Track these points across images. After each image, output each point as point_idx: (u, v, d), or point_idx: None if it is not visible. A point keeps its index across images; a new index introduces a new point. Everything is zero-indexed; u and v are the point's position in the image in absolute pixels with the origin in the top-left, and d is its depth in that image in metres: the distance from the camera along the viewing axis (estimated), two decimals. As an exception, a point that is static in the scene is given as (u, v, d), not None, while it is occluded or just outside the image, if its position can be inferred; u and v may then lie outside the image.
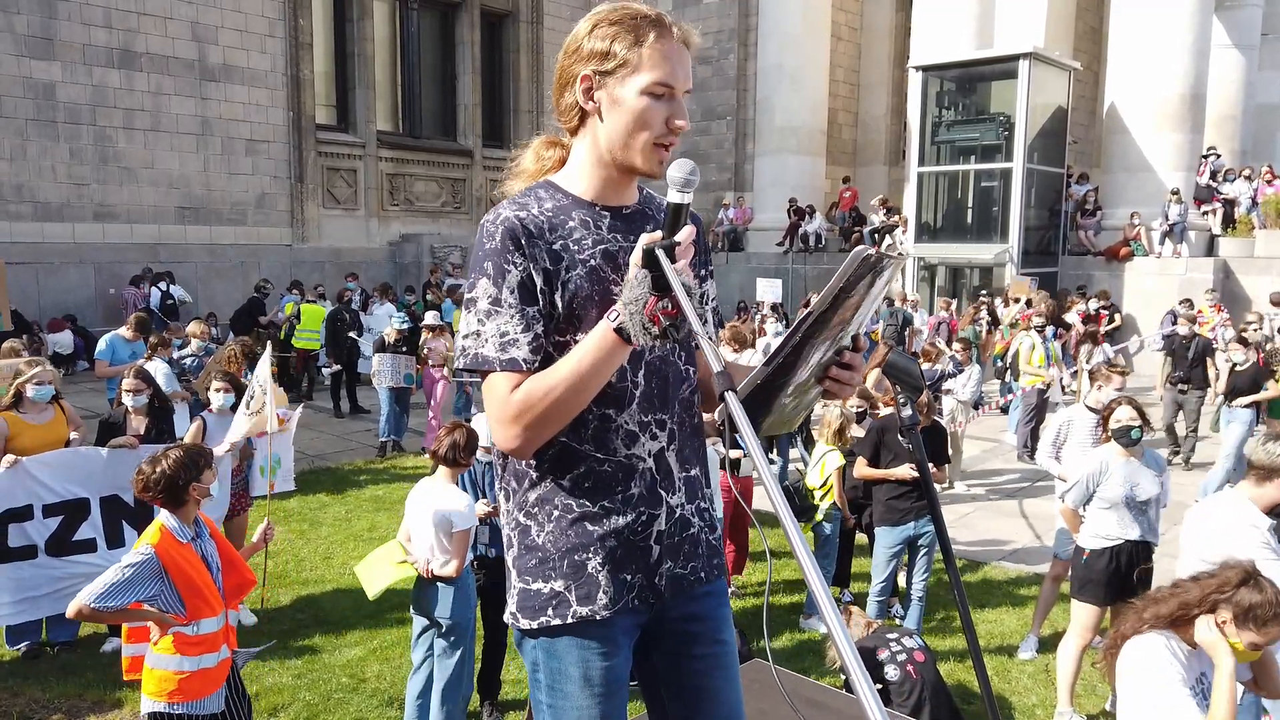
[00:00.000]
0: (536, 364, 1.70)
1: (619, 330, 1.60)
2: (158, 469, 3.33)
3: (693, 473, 1.89)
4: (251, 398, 5.89)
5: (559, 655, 1.80)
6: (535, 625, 1.80)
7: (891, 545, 5.53)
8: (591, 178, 1.80)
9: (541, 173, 1.89)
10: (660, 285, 1.55)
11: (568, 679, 1.80)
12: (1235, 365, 9.13)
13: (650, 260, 1.56)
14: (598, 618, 1.77)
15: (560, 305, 1.73)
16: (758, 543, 6.45)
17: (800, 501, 5.84)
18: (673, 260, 1.57)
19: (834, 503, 5.91)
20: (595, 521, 1.78)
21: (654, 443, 1.81)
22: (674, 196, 1.62)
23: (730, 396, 1.38)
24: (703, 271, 1.96)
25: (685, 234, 1.61)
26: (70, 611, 3.19)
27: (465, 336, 1.74)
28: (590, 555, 1.78)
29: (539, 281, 1.71)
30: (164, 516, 3.39)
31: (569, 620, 1.78)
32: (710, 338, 1.61)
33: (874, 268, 1.57)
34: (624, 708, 1.86)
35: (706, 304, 1.89)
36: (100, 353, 8.85)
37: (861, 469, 5.67)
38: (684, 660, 1.91)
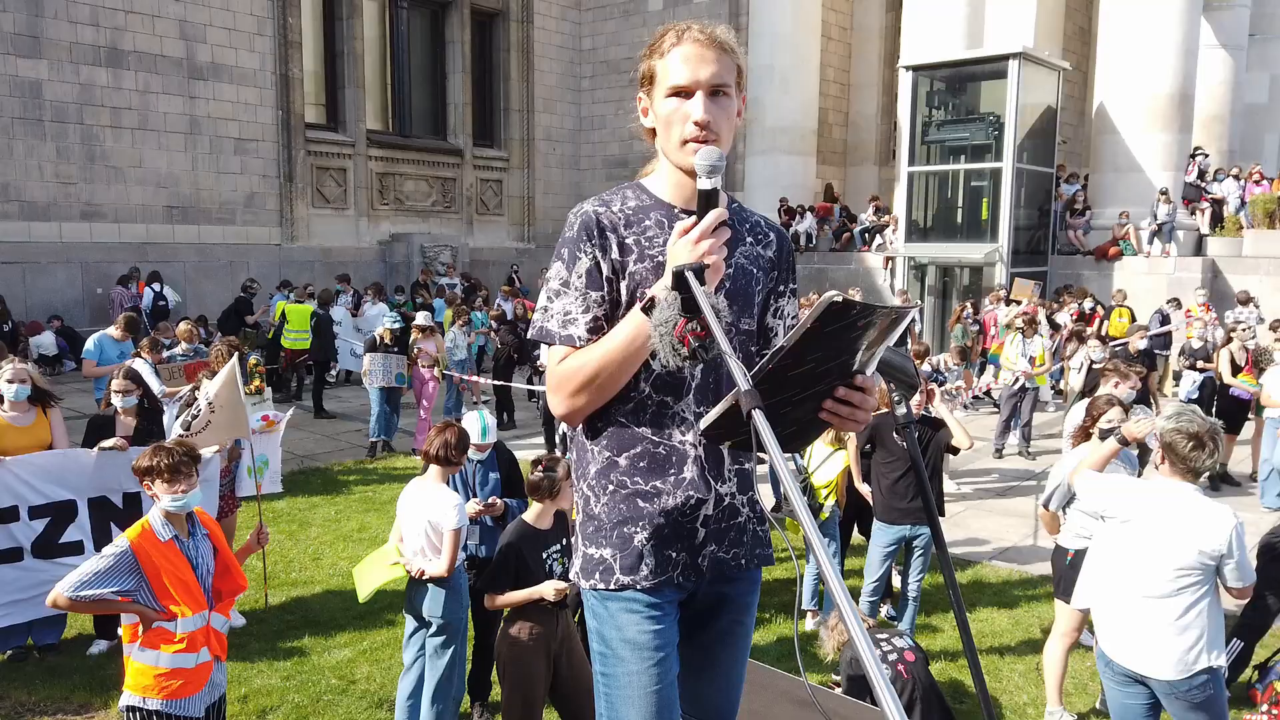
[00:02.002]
0: (591, 342, 1.85)
1: (649, 312, 1.70)
2: (150, 459, 3.35)
3: (746, 466, 1.99)
4: (195, 416, 5.69)
5: (609, 618, 1.93)
6: (588, 586, 1.95)
7: (886, 545, 5.52)
8: (669, 183, 1.96)
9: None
10: (690, 307, 1.59)
11: (618, 642, 1.91)
12: (1093, 363, 9.09)
13: (680, 282, 1.61)
14: (639, 587, 1.89)
15: (625, 292, 1.88)
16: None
17: (808, 501, 5.82)
18: (702, 281, 1.61)
19: (836, 501, 5.90)
20: (646, 499, 1.90)
21: None
22: (701, 184, 1.72)
23: (758, 415, 1.41)
24: (782, 288, 2.07)
25: (712, 217, 1.69)
26: (48, 600, 3.22)
27: (538, 311, 1.93)
28: (638, 529, 1.90)
29: (606, 270, 1.88)
30: (152, 513, 3.38)
31: (612, 586, 1.91)
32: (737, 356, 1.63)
33: (862, 315, 1.57)
34: (671, 674, 1.94)
35: (781, 318, 2.04)
36: (88, 352, 8.78)
37: (855, 467, 5.68)
38: (702, 630, 2.04)
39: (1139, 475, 4.75)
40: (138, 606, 3.26)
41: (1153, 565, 3.40)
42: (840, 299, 1.48)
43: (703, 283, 1.61)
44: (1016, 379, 10.54)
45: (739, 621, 2.07)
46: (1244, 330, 10.56)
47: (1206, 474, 3.46)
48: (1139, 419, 4.22)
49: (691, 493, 1.90)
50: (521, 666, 3.98)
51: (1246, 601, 3.57)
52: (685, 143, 1.84)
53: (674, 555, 1.91)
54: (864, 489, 5.80)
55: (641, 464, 1.90)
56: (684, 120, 1.83)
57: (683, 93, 1.83)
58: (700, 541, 1.93)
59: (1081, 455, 4.70)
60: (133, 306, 14.09)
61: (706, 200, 1.72)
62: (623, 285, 1.89)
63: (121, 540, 3.27)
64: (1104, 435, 4.63)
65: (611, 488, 1.93)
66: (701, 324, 1.57)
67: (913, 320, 14.44)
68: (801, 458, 6.18)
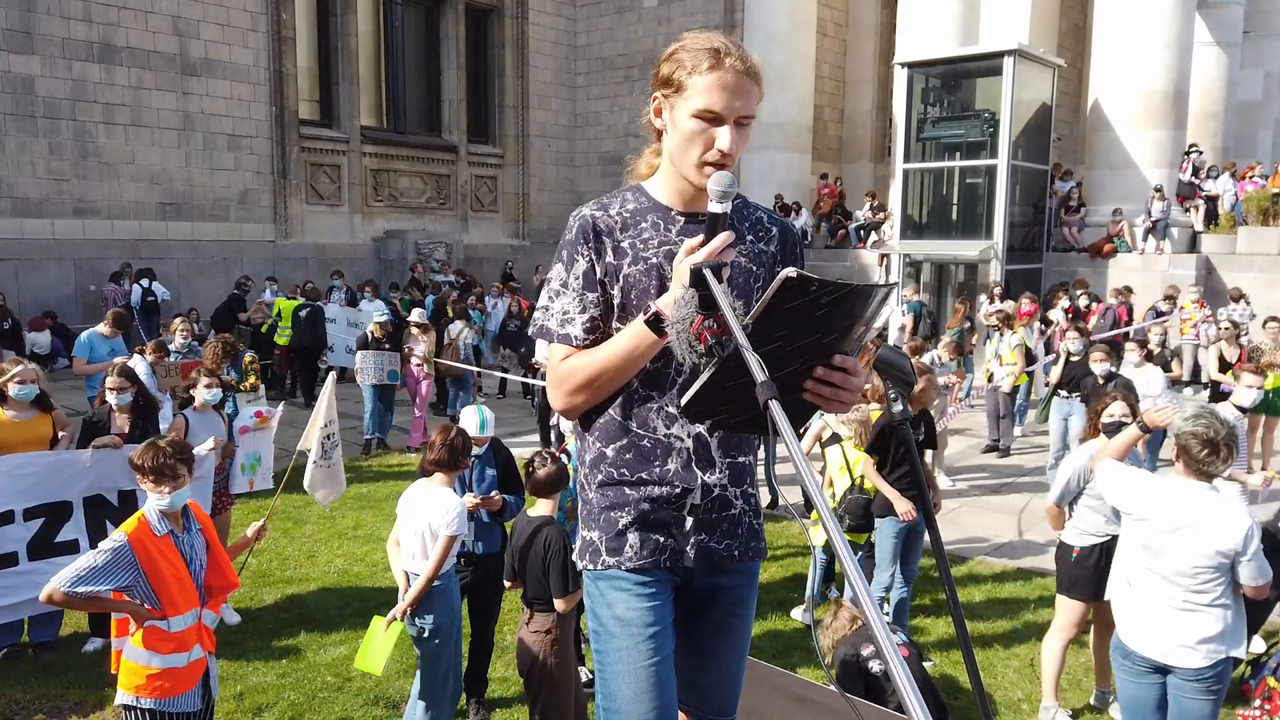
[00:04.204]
0: (588, 341, 1.94)
1: (652, 325, 1.78)
2: (139, 457, 3.36)
3: (740, 460, 2.00)
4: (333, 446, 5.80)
5: (599, 596, 2.02)
6: (582, 567, 2.06)
7: (894, 534, 5.52)
8: (669, 185, 2.00)
9: (649, 176, 2.09)
10: (707, 304, 1.60)
11: (609, 619, 1.99)
12: (1070, 355, 9.07)
13: (698, 279, 1.62)
14: (623, 567, 1.97)
15: (618, 294, 1.95)
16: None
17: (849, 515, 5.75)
18: (719, 279, 1.62)
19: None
20: (632, 488, 1.97)
21: (694, 425, 1.96)
22: (713, 207, 1.75)
23: (774, 405, 1.42)
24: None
25: (719, 240, 1.71)
26: (42, 596, 3.20)
27: (537, 310, 2.03)
28: (623, 515, 1.98)
29: (599, 272, 1.95)
30: (147, 507, 3.38)
31: (598, 567, 2.00)
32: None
33: (824, 292, 1.57)
34: (663, 650, 1.97)
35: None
36: (78, 350, 8.74)
37: (872, 472, 5.56)
38: (697, 622, 2.08)
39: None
40: (131, 605, 3.25)
41: (1172, 562, 3.47)
42: (795, 274, 1.49)
43: (720, 280, 1.62)
44: (989, 375, 10.64)
45: (735, 614, 2.10)
46: (1226, 328, 10.60)
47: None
48: (1161, 407, 4.23)
49: (676, 483, 1.95)
50: (563, 660, 4.02)
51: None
52: (704, 165, 1.87)
53: (660, 540, 1.97)
54: (886, 488, 5.50)
55: (628, 455, 1.97)
56: (707, 145, 1.86)
57: (712, 118, 1.85)
58: (688, 530, 1.98)
59: (1091, 450, 4.70)
60: (124, 304, 14.05)
61: (715, 223, 1.74)
62: (616, 288, 1.95)
63: (119, 535, 3.26)
64: (1109, 431, 4.64)
65: (601, 477, 2.01)
66: (718, 321, 1.58)
67: (919, 316, 14.48)
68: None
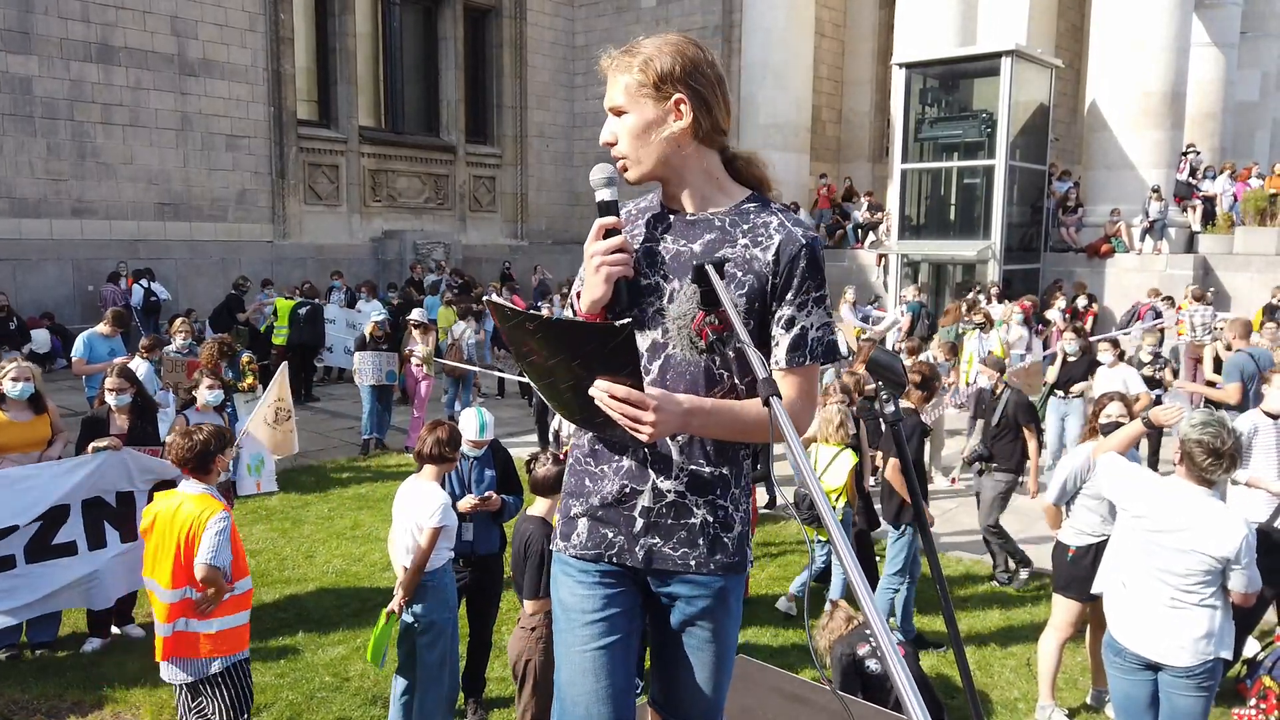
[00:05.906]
0: None
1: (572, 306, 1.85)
2: (193, 439, 3.72)
3: (707, 470, 1.94)
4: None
5: (554, 577, 2.10)
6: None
7: (910, 543, 5.54)
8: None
9: None
10: (709, 300, 1.62)
11: (556, 600, 2.08)
12: (1068, 355, 9.07)
13: (700, 275, 1.64)
14: (566, 554, 2.04)
15: None
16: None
17: (810, 511, 5.73)
18: (722, 276, 1.64)
19: (847, 503, 5.86)
20: (591, 479, 2.02)
21: None
22: (598, 195, 1.87)
23: (775, 402, 1.43)
24: (790, 295, 1.89)
25: (594, 227, 1.83)
26: (200, 574, 3.56)
27: None
28: (577, 503, 2.04)
29: None
30: (194, 488, 3.72)
31: (554, 549, 2.10)
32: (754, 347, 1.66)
33: (522, 318, 1.65)
34: (602, 640, 1.98)
35: (788, 327, 1.89)
36: (78, 350, 8.75)
37: (896, 477, 5.57)
38: (663, 627, 2.08)
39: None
40: (225, 585, 3.65)
41: (1165, 563, 3.49)
42: (486, 298, 1.64)
43: (723, 276, 1.63)
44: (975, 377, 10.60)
45: (697, 626, 2.02)
46: (1204, 330, 10.56)
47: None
48: (1167, 407, 4.24)
49: (626, 481, 1.96)
50: (549, 657, 4.02)
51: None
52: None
53: (609, 535, 1.99)
54: (901, 483, 5.57)
55: (595, 447, 2.02)
56: None
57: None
58: (639, 530, 1.96)
59: (1086, 450, 4.72)
60: (124, 304, 14.06)
61: (601, 210, 1.83)
62: None
63: (224, 514, 3.67)
64: (1106, 431, 4.65)
65: (573, 462, 2.08)
66: (720, 317, 1.59)
67: (917, 316, 14.48)
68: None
